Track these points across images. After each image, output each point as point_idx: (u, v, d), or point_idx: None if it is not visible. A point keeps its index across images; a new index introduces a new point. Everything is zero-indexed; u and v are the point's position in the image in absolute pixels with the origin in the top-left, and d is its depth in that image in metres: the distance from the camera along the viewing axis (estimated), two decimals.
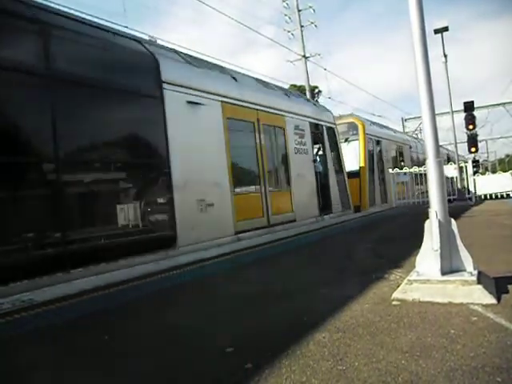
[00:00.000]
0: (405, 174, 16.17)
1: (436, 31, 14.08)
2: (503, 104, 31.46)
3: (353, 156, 13.81)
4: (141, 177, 6.47)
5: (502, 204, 12.89)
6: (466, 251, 3.49)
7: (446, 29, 14.12)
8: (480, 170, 22.89)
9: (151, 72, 6.31)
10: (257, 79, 10.30)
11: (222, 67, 9.25)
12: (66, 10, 6.09)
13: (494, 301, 3.09)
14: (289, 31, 22.28)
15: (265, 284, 4.51)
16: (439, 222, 3.51)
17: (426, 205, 3.78)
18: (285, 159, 9.48)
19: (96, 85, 5.48)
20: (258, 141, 8.51)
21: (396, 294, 3.48)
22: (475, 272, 3.38)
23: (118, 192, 6.15)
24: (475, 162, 17.26)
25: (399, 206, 15.35)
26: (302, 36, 21.91)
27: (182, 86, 6.75)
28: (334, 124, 12.29)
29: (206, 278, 5.14)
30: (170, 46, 8.14)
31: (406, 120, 34.84)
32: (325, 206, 10.78)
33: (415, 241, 3.85)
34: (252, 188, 8.38)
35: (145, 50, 6.55)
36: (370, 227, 9.24)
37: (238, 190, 7.79)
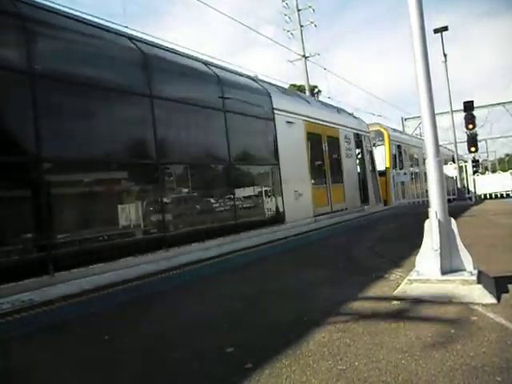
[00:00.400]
0: (405, 173, 16.25)
1: (436, 31, 14.10)
2: (503, 103, 31.46)
3: (380, 158, 16.21)
4: (269, 174, 9.16)
5: (502, 204, 12.89)
6: (466, 251, 3.49)
7: (445, 28, 14.14)
8: (480, 170, 22.90)
9: (268, 102, 9.13)
10: (319, 101, 13.85)
11: (300, 94, 12.86)
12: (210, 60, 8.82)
13: (493, 300, 3.09)
14: (288, 31, 22.28)
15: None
16: (439, 221, 3.51)
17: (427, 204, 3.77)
18: (339, 161, 12.13)
19: (243, 113, 8.31)
20: (324, 148, 11.28)
21: (396, 294, 3.48)
22: (475, 271, 3.38)
23: (261, 185, 8.97)
24: (475, 162, 17.26)
25: (400, 205, 15.36)
26: (302, 36, 21.91)
27: (283, 111, 9.46)
28: (368, 132, 14.93)
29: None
30: (169, 45, 8.36)
31: (405, 120, 34.85)
32: (364, 198, 13.29)
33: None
34: (321, 183, 11.00)
35: (262, 88, 9.49)
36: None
37: (314, 184, 10.41)
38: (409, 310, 3.11)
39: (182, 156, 6.98)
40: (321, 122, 11.21)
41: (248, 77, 9.84)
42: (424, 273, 3.50)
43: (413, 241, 4.18)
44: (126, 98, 6.05)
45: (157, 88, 6.39)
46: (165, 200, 6.40)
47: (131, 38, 6.63)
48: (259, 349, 2.62)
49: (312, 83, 23.52)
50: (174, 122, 6.85)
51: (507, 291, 3.32)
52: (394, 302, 3.32)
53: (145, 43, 6.85)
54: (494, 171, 29.51)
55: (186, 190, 7.20)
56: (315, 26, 22.06)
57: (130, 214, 5.96)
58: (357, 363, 2.27)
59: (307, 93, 21.00)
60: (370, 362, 2.28)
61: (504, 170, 17.73)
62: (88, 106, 5.52)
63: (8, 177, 4.61)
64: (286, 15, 22.46)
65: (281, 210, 8.89)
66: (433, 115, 3.69)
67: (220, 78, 7.98)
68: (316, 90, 30.54)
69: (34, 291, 4.13)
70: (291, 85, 25.99)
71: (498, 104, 31.70)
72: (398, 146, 18.37)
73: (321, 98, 27.28)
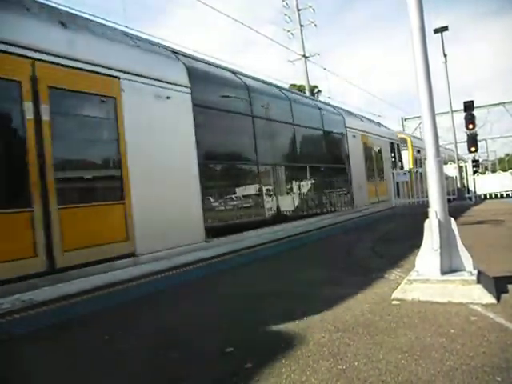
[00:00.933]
0: (404, 173, 16.28)
1: (436, 31, 14.09)
2: (503, 103, 31.41)
3: (405, 161, 19.74)
4: (345, 172, 12.86)
5: (502, 204, 12.89)
6: (466, 251, 3.49)
7: (445, 28, 14.13)
8: (480, 170, 22.90)
9: (342, 122, 13.19)
10: (366, 118, 17.85)
11: (356, 114, 16.73)
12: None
13: (493, 300, 3.09)
14: (289, 31, 22.27)
15: None
16: (439, 221, 3.51)
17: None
18: (382, 163, 16.16)
19: (332, 131, 12.55)
20: (372, 153, 15.43)
21: (396, 294, 3.48)
22: (475, 272, 3.38)
23: (342, 180, 12.80)
24: (475, 162, 17.22)
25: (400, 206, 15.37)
26: (302, 36, 21.90)
27: (350, 128, 13.45)
28: (398, 140, 18.85)
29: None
30: (169, 44, 8.46)
31: (405, 120, 34.81)
32: (397, 192, 16.31)
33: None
34: (372, 179, 14.90)
35: (338, 112, 13.63)
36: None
37: (367, 180, 14.30)
38: (408, 309, 3.11)
39: (307, 161, 11.03)
40: (369, 135, 15.26)
41: (328, 104, 14.72)
42: (424, 273, 3.50)
43: (413, 240, 4.19)
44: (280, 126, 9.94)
45: (297, 119, 10.45)
46: (314, 189, 11.23)
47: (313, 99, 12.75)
48: (259, 348, 2.63)
49: (312, 83, 23.50)
50: (310, 142, 11.52)
51: (507, 291, 3.32)
52: (394, 302, 3.33)
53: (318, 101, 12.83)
54: (494, 171, 29.46)
55: (314, 183, 11.49)
56: (315, 25, 22.07)
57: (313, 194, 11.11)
58: (356, 363, 2.28)
59: (307, 93, 20.98)
60: (370, 361, 2.28)
61: (504, 170, 17.71)
62: (270, 132, 9.50)
63: (248, 175, 8.95)
64: (286, 15, 22.46)
65: (352, 198, 12.87)
66: (433, 115, 3.69)
67: (320, 108, 12.37)
68: (316, 90, 30.49)
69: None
70: (291, 85, 25.93)
71: (498, 104, 31.65)
72: (418, 151, 21.53)
73: (321, 97, 27.25)
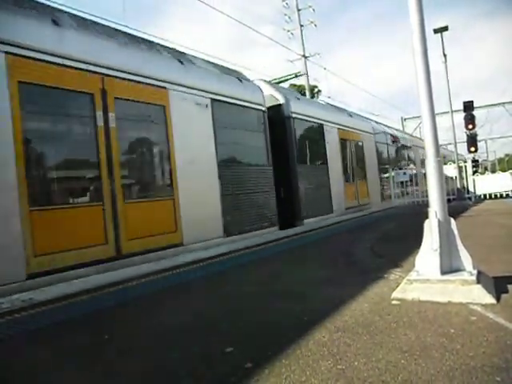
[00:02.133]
0: (404, 173, 16.32)
1: (435, 31, 14.11)
2: (503, 104, 31.44)
3: None
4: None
5: (501, 204, 12.90)
6: (466, 251, 3.49)
7: (445, 28, 14.15)
8: (479, 170, 23.08)
9: (410, 142, 22.40)
10: (415, 136, 25.76)
11: (415, 136, 25.42)
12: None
13: (493, 300, 3.10)
14: (288, 31, 22.30)
15: None
16: (439, 221, 3.51)
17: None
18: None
19: (409, 146, 22.09)
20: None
21: (396, 294, 3.48)
22: (475, 272, 3.38)
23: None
24: (475, 162, 17.29)
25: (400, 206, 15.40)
26: (302, 35, 21.93)
27: (415, 146, 22.46)
28: None
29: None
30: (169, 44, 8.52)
31: (405, 120, 34.86)
32: None
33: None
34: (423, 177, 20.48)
35: (407, 135, 23.75)
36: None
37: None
38: (408, 309, 3.11)
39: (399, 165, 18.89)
40: (415, 148, 22.77)
41: (409, 134, 23.11)
42: (424, 273, 3.50)
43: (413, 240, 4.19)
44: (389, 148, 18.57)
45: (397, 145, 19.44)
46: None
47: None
48: (259, 348, 2.63)
49: (312, 83, 23.51)
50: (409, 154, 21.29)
51: (507, 291, 3.33)
52: (394, 302, 3.33)
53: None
54: (493, 171, 29.52)
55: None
56: (315, 25, 22.09)
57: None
58: (356, 363, 2.28)
59: (307, 93, 21.00)
60: (370, 361, 2.28)
61: (504, 170, 17.78)
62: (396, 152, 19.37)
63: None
64: (286, 15, 22.47)
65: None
66: (433, 115, 3.69)
67: (407, 138, 21.21)
68: (316, 90, 30.49)
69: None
70: (291, 85, 25.93)
71: (498, 104, 31.69)
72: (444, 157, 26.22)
73: (321, 97, 27.25)
